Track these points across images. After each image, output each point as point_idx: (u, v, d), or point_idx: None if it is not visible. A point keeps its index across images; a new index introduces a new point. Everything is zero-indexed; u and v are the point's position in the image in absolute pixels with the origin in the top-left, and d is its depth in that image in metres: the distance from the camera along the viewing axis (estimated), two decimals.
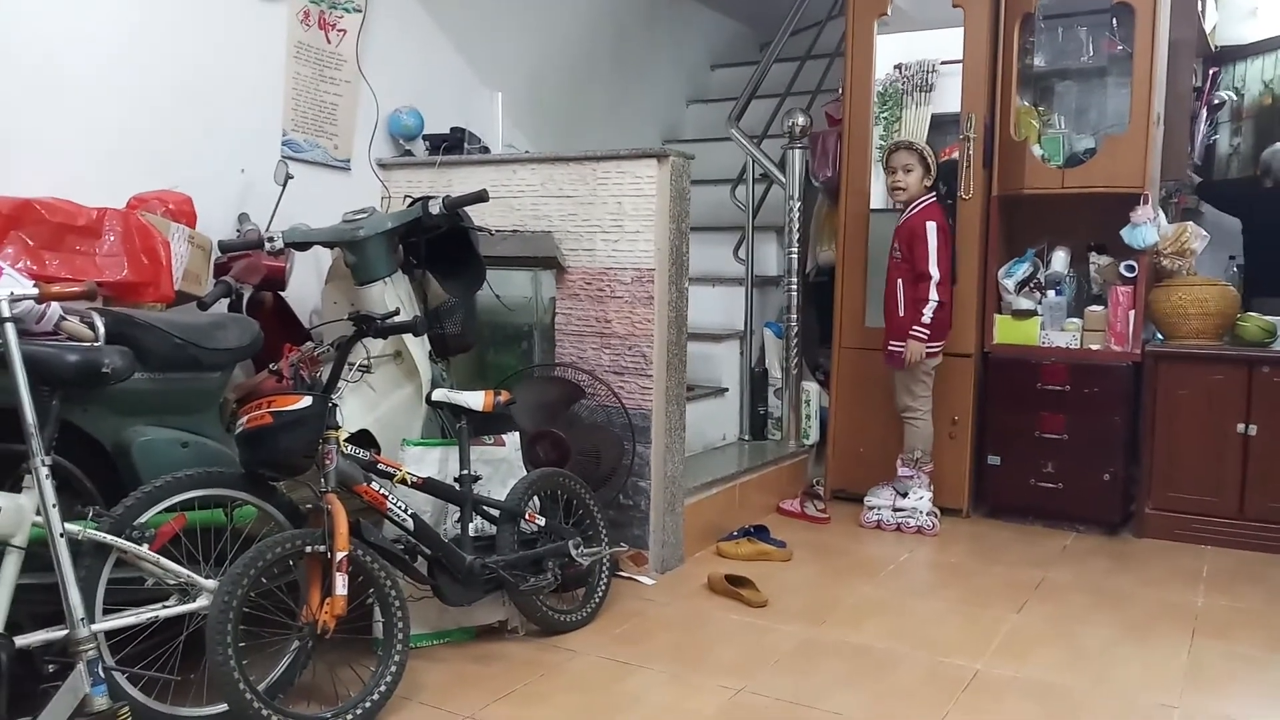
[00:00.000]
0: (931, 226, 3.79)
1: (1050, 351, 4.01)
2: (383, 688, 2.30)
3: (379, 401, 2.81)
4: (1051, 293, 4.06)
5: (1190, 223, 4.10)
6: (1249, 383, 3.73)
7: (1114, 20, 4.06)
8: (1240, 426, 3.74)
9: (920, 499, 3.91)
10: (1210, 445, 3.79)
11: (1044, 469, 3.98)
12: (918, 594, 3.28)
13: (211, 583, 2.15)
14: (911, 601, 3.19)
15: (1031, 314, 4.06)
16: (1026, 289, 4.10)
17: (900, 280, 3.87)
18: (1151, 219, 3.83)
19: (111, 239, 2.53)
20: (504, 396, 2.80)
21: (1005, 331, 4.09)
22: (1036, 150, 4.09)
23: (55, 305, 2.14)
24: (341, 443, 2.39)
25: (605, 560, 3.01)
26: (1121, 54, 4.03)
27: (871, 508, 4.01)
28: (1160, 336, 4.04)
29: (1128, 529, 3.97)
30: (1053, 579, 3.40)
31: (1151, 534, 3.88)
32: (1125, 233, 3.85)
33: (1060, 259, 4.09)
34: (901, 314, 3.88)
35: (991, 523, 4.09)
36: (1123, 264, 3.91)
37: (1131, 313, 3.88)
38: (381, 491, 2.47)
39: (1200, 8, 4.60)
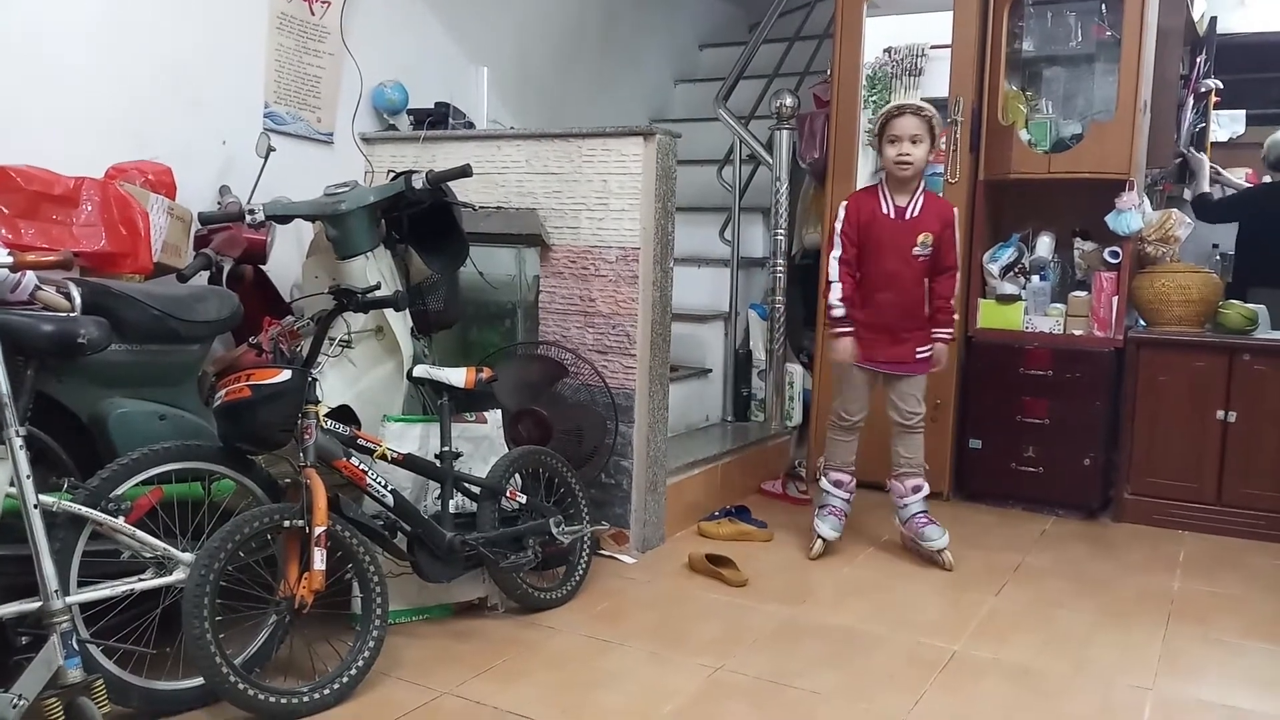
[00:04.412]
0: (956, 212, 3.39)
1: (1033, 336, 4.02)
2: (360, 663, 2.30)
3: (360, 377, 2.79)
4: (1036, 278, 4.07)
5: (1175, 210, 4.12)
6: (1229, 370, 3.76)
7: (1103, 6, 4.06)
8: (1220, 413, 3.76)
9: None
10: (1190, 432, 3.82)
11: (1025, 453, 4.00)
12: (897, 576, 3.29)
13: (188, 556, 2.14)
14: (891, 583, 3.20)
15: (1015, 299, 4.06)
16: (1011, 274, 4.10)
17: (926, 278, 3.34)
18: (1136, 205, 3.84)
19: (89, 209, 2.49)
20: (486, 374, 2.79)
21: (989, 316, 4.10)
22: (1023, 135, 4.08)
23: (31, 274, 2.12)
24: (321, 417, 2.38)
25: (586, 538, 3.01)
26: (1110, 40, 4.03)
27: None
28: (1143, 323, 4.05)
29: (1107, 514, 3.99)
30: (1031, 563, 3.42)
31: (1130, 519, 3.91)
32: (1110, 219, 3.86)
33: (1045, 244, 4.09)
34: (929, 315, 3.37)
35: (972, 506, 4.11)
36: (1107, 250, 3.92)
37: (1115, 299, 3.89)
38: (361, 467, 2.46)
39: None
